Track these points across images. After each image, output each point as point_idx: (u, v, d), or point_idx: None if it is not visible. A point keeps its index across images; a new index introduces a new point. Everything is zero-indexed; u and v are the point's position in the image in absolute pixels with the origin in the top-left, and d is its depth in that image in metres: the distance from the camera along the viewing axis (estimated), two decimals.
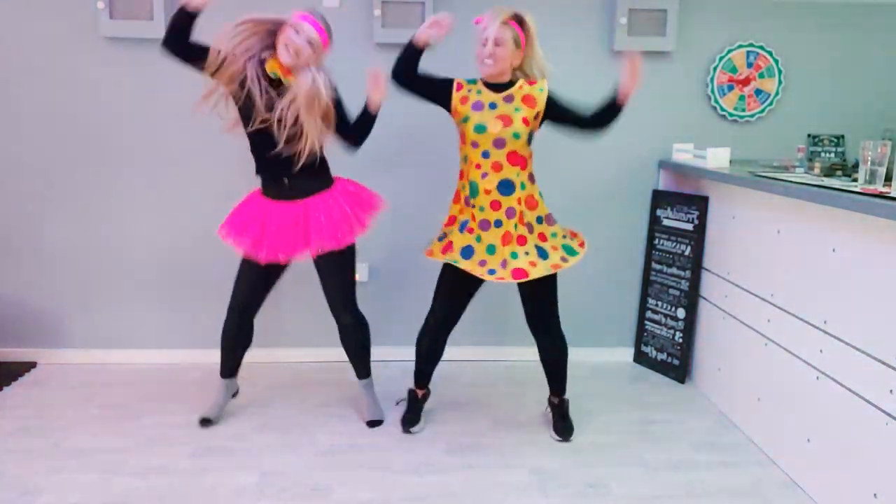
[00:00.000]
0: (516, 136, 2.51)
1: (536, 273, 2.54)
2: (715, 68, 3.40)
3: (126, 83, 3.26)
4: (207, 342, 3.47)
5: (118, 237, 3.39)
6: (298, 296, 3.41)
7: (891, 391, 2.03)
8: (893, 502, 2.02)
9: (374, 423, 2.86)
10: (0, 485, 2.41)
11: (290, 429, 2.83)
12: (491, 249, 2.57)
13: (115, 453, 2.62)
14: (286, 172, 2.60)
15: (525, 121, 2.52)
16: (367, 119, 2.71)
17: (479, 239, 2.59)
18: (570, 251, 2.64)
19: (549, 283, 2.66)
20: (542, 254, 2.59)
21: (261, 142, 2.56)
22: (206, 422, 2.83)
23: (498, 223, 2.56)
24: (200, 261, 3.42)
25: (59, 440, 2.71)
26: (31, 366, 3.43)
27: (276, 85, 2.52)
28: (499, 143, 2.51)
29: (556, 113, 2.57)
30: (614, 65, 3.38)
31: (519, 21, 2.51)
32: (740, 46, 3.39)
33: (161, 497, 2.35)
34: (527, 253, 2.57)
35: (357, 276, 3.43)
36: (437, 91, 2.63)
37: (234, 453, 2.64)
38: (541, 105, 2.55)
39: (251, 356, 3.16)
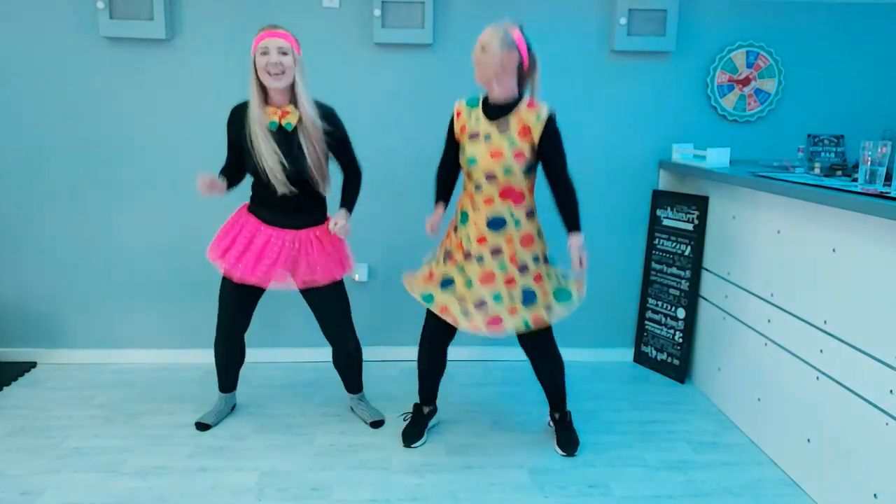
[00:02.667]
0: (507, 171, 2.37)
1: (510, 324, 2.41)
2: (715, 68, 3.40)
3: (126, 83, 3.26)
4: (207, 342, 3.44)
5: (118, 237, 3.39)
6: (298, 296, 3.40)
7: (891, 391, 2.03)
8: (893, 502, 2.02)
9: (377, 424, 2.86)
10: (0, 485, 2.41)
11: (290, 429, 2.83)
12: (469, 284, 2.46)
13: (115, 453, 2.62)
14: (289, 205, 2.57)
15: (519, 155, 2.37)
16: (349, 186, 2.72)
17: (461, 269, 2.50)
18: (564, 296, 2.49)
19: None
20: (529, 298, 2.45)
21: (267, 182, 2.54)
22: (203, 426, 2.82)
23: (480, 259, 2.45)
24: (200, 261, 3.40)
25: (59, 440, 2.71)
26: (31, 366, 3.43)
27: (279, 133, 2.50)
28: (489, 176, 2.39)
29: (544, 154, 2.40)
30: (614, 65, 3.39)
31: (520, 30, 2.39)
32: (740, 46, 3.39)
33: (161, 497, 2.35)
34: (511, 297, 2.43)
35: (356, 277, 3.45)
36: (454, 142, 2.54)
37: (234, 453, 2.64)
38: (536, 136, 2.38)
39: (251, 356, 3.16)
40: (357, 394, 2.95)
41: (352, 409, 2.98)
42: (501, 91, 2.39)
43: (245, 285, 2.63)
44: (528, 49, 2.39)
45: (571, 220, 2.47)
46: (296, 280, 2.64)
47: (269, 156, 2.45)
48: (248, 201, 2.69)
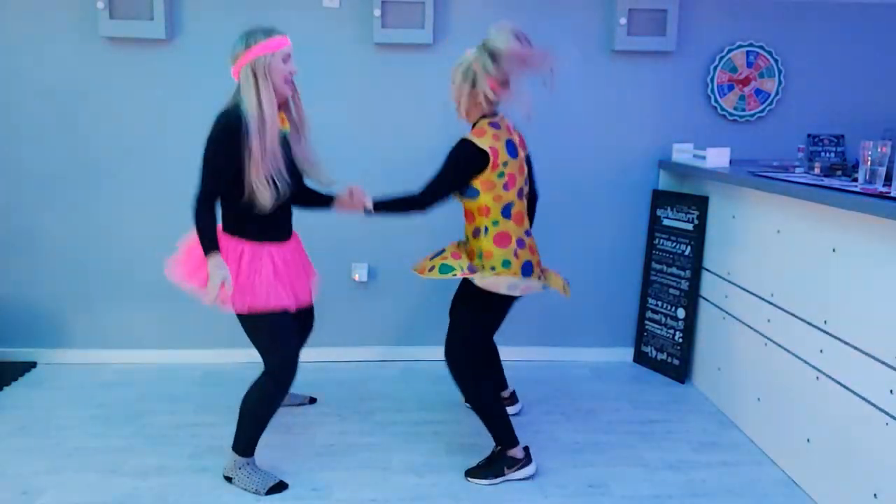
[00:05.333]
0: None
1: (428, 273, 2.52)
2: (715, 68, 3.40)
3: (126, 83, 3.26)
4: (207, 342, 3.48)
5: (118, 237, 3.39)
6: None
7: (891, 391, 2.03)
8: (893, 502, 2.02)
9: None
10: (0, 485, 2.41)
11: (290, 429, 2.83)
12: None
13: (115, 453, 2.62)
14: (287, 212, 2.46)
15: None
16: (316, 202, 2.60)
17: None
18: (445, 269, 2.43)
19: (457, 311, 2.58)
20: (434, 256, 2.54)
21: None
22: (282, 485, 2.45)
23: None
24: None
25: (59, 440, 2.71)
26: (31, 366, 3.43)
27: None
28: None
29: None
30: (614, 65, 3.39)
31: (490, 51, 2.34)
32: (740, 46, 3.39)
33: (161, 497, 2.35)
34: (433, 257, 2.56)
35: (356, 277, 3.46)
36: None
37: None
38: None
39: (251, 356, 3.15)
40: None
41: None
42: (470, 120, 2.47)
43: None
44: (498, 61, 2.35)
45: (383, 200, 2.49)
46: (311, 286, 2.59)
47: (286, 163, 2.30)
48: (240, 237, 2.35)
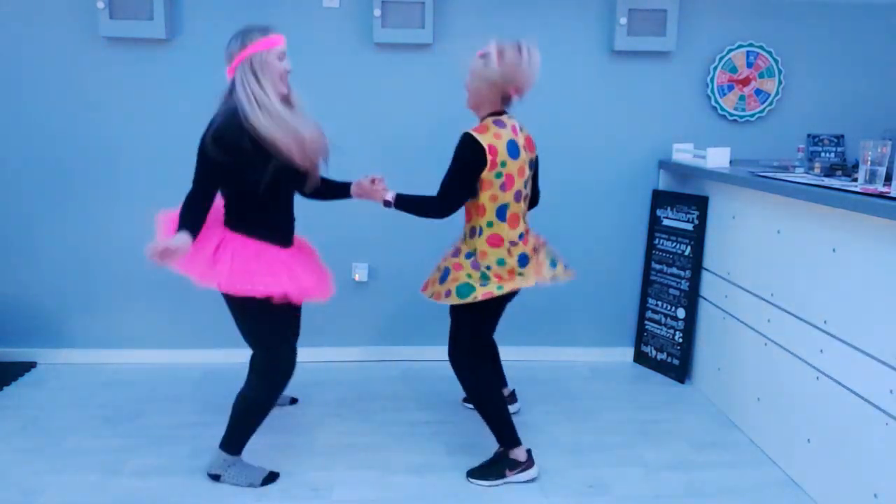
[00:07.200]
0: None
1: (427, 292, 2.53)
2: (715, 68, 3.40)
3: (126, 83, 3.26)
4: (207, 342, 3.47)
5: (118, 237, 3.39)
6: None
7: (891, 391, 2.03)
8: (893, 502, 2.03)
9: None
10: (0, 485, 2.41)
11: (290, 429, 2.83)
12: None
13: (115, 453, 2.62)
14: (292, 215, 2.48)
15: None
16: (337, 193, 2.61)
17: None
18: (463, 291, 2.40)
19: (454, 310, 2.53)
20: (445, 275, 2.48)
21: (286, 188, 2.40)
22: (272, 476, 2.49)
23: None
24: None
25: (59, 440, 2.71)
26: (31, 366, 3.43)
27: None
28: None
29: None
30: (614, 65, 3.39)
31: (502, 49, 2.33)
32: (740, 46, 3.39)
33: (161, 497, 2.35)
34: (438, 269, 2.56)
35: (356, 277, 3.46)
36: None
37: None
38: None
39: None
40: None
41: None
42: (478, 114, 2.47)
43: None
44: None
45: (403, 195, 2.50)
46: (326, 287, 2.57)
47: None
48: (245, 234, 2.36)
